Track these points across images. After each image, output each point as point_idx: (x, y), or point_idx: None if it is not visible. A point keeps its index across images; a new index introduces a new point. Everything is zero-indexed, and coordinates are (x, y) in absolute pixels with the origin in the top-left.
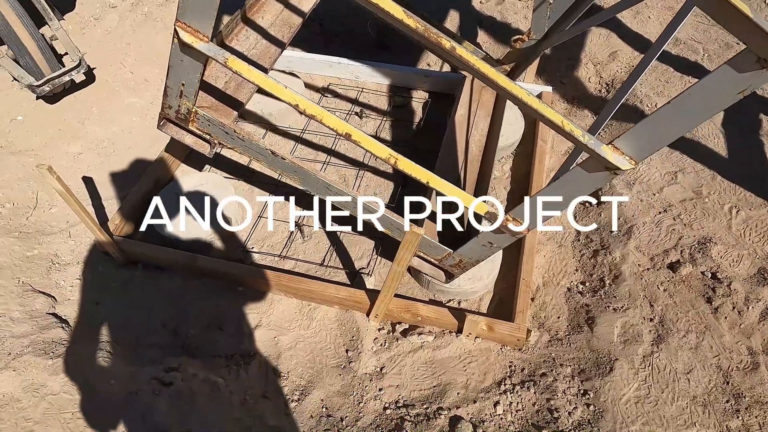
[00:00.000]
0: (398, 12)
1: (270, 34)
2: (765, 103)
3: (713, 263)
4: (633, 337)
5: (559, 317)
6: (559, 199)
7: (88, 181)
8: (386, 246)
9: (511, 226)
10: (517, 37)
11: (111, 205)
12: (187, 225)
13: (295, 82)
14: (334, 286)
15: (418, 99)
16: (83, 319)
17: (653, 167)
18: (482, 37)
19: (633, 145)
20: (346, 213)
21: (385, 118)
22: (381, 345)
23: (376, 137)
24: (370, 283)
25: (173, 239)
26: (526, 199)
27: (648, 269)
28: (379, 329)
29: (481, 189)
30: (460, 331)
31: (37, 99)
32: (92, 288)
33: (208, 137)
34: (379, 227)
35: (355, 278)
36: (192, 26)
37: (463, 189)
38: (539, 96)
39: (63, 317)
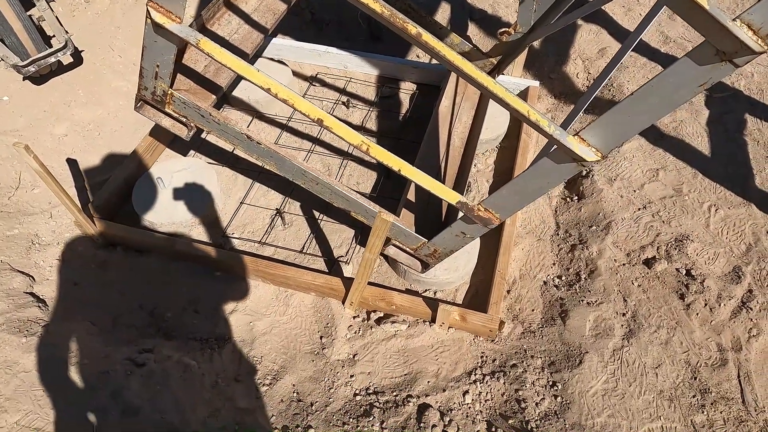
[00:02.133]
0: None
1: (253, 20)
2: (751, 104)
3: (688, 260)
4: (605, 331)
5: (533, 310)
6: (529, 189)
7: (72, 163)
8: (365, 235)
9: (482, 216)
10: (504, 30)
11: (94, 188)
12: (168, 209)
13: (283, 71)
14: (310, 273)
15: (406, 90)
16: (61, 299)
17: (635, 164)
18: (472, 30)
19: (599, 136)
20: (328, 201)
21: (371, 109)
22: (355, 333)
23: (361, 128)
24: (348, 271)
25: (153, 223)
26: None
27: (624, 264)
28: (354, 317)
29: (461, 181)
30: (433, 320)
31: (23, 80)
32: (71, 268)
33: (184, 120)
34: (354, 214)
35: (333, 266)
36: (164, 6)
37: (443, 181)
38: (526, 90)
39: (40, 297)
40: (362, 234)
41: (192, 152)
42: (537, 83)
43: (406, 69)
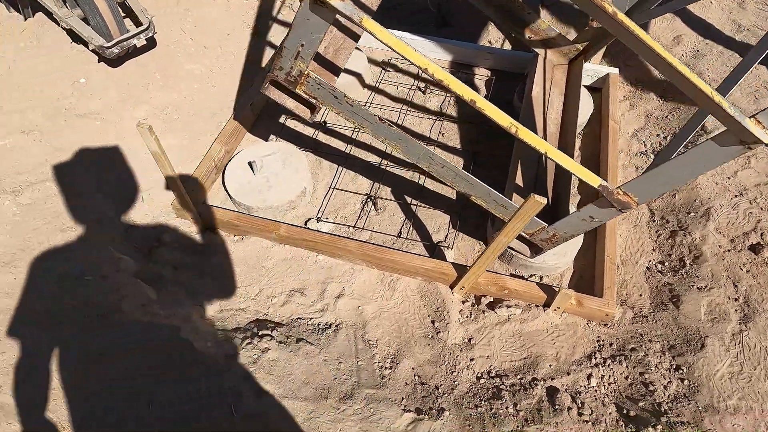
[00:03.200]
0: None
1: (360, 1)
2: None
3: None
4: (720, 315)
5: (641, 295)
6: (683, 173)
7: None
8: (463, 220)
9: (621, 199)
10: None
11: (178, 171)
12: (262, 193)
13: (359, 56)
14: (420, 258)
15: (480, 76)
16: (164, 285)
17: None
18: (544, 16)
19: None
20: (449, 184)
21: (448, 95)
22: (467, 317)
23: (441, 113)
24: (450, 256)
25: (249, 207)
26: (648, 172)
27: (729, 251)
28: (463, 301)
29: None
30: (546, 305)
31: (99, 62)
32: (170, 253)
33: (314, 101)
34: (474, 198)
35: (434, 251)
36: None
37: (545, 166)
38: (606, 77)
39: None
40: (460, 219)
41: (272, 137)
42: (616, 70)
43: (481, 55)
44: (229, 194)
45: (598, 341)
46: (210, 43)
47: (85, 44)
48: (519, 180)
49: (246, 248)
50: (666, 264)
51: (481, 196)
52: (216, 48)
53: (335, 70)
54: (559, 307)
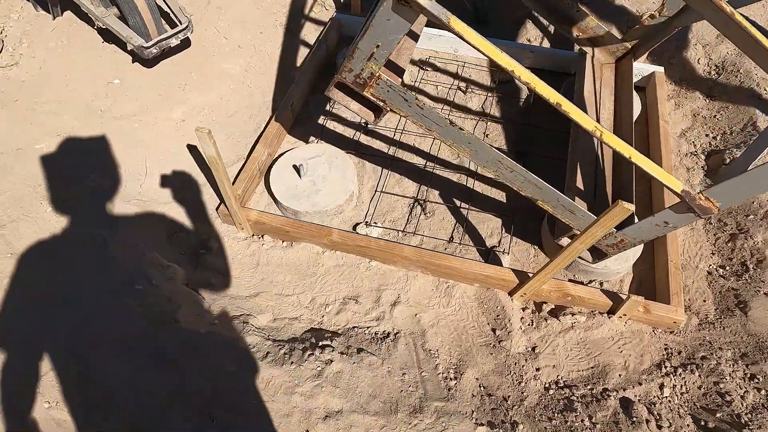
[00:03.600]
0: None
1: None
2: None
3: None
4: None
5: (705, 300)
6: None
7: (193, 149)
8: (517, 224)
9: (703, 205)
10: (649, 13)
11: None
12: (310, 197)
13: None
14: (479, 264)
15: None
16: (223, 291)
17: None
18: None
19: None
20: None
21: (489, 94)
22: (529, 324)
23: (483, 113)
24: (505, 261)
25: (297, 211)
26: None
27: None
28: (523, 308)
29: (620, 168)
30: (610, 312)
31: (133, 62)
32: (217, 260)
33: (381, 104)
34: (541, 203)
35: (489, 256)
36: None
37: (603, 167)
38: (652, 75)
39: (195, 289)
40: (513, 223)
41: (312, 139)
42: (662, 69)
43: (522, 53)
44: (275, 198)
45: (665, 349)
46: (244, 42)
47: (119, 44)
48: (580, 184)
49: (296, 254)
50: (728, 268)
51: (548, 201)
52: (250, 47)
53: (398, 71)
54: (625, 314)
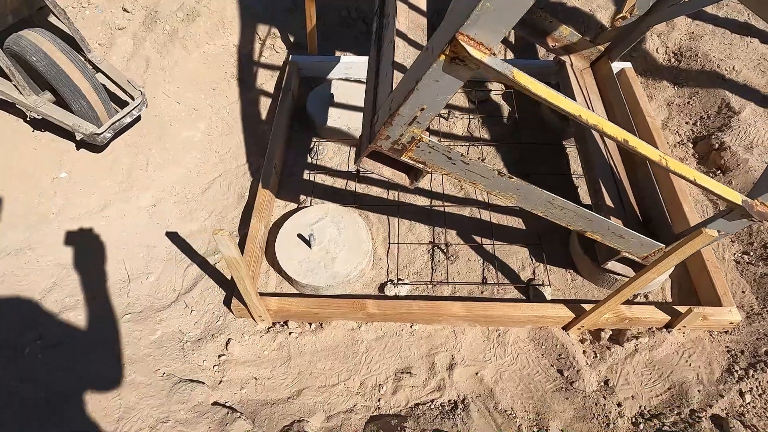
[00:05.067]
0: None
1: (410, 38)
2: None
3: None
4: None
5: (743, 291)
6: None
7: (175, 238)
8: (548, 252)
9: (762, 210)
10: (620, 15)
11: (215, 259)
12: (327, 268)
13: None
14: (531, 306)
15: (497, 91)
16: (260, 398)
17: (760, 127)
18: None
19: None
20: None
21: (472, 116)
22: (593, 357)
23: (471, 137)
24: (548, 293)
25: (316, 288)
26: None
27: None
28: (581, 340)
29: (638, 174)
30: (668, 326)
31: (78, 149)
32: (244, 361)
33: (421, 166)
34: (590, 234)
35: (529, 291)
36: (477, 39)
37: (620, 178)
38: (622, 71)
39: (227, 404)
40: (543, 252)
41: (303, 198)
42: (629, 64)
43: None
44: (288, 277)
45: (728, 351)
46: (199, 103)
47: (56, 130)
48: (609, 201)
49: (330, 336)
50: (751, 254)
51: (598, 231)
52: (206, 107)
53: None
54: (685, 326)
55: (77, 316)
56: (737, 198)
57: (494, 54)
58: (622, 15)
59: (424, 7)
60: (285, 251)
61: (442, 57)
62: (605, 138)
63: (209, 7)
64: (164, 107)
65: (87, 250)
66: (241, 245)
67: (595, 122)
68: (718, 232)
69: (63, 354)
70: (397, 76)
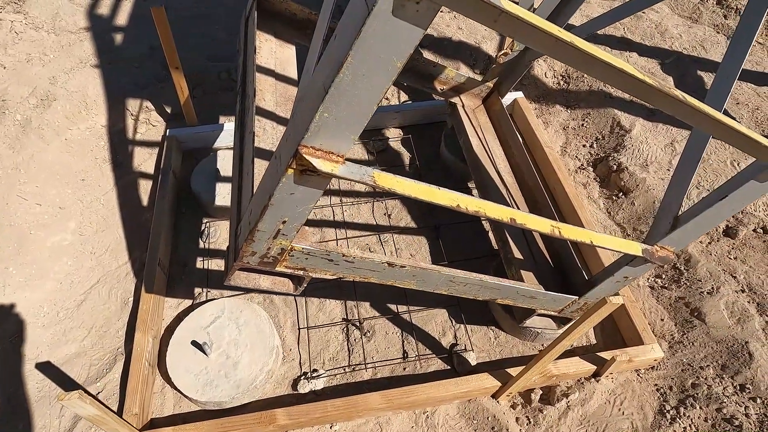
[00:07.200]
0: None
1: (279, 116)
2: (695, 60)
3: (756, 218)
4: (742, 314)
5: (662, 319)
6: (720, 216)
7: (50, 369)
8: (466, 312)
9: (662, 255)
10: (502, 51)
11: (99, 387)
12: (229, 377)
13: None
14: (454, 382)
15: (395, 138)
16: None
17: (651, 144)
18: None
19: None
20: (473, 297)
21: (373, 168)
22: (527, 424)
23: (374, 192)
24: (472, 359)
25: (219, 403)
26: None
27: (709, 243)
28: (512, 406)
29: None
30: (596, 374)
31: None
32: None
33: (301, 273)
34: (501, 300)
35: (452, 359)
36: (324, 148)
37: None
38: (514, 102)
39: None
40: (461, 312)
41: (198, 290)
42: (521, 94)
43: (388, 116)
44: (185, 396)
45: (657, 390)
46: (65, 200)
47: None
48: (516, 253)
49: None
50: (663, 276)
51: (508, 296)
52: (75, 203)
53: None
54: (612, 373)
55: None
56: (638, 249)
57: (345, 162)
58: (503, 52)
59: (294, 75)
60: (179, 364)
61: (290, 171)
62: (502, 178)
63: (66, 87)
64: (21, 213)
65: None
66: (128, 364)
67: (476, 208)
68: (625, 278)
69: None
70: (259, 174)
